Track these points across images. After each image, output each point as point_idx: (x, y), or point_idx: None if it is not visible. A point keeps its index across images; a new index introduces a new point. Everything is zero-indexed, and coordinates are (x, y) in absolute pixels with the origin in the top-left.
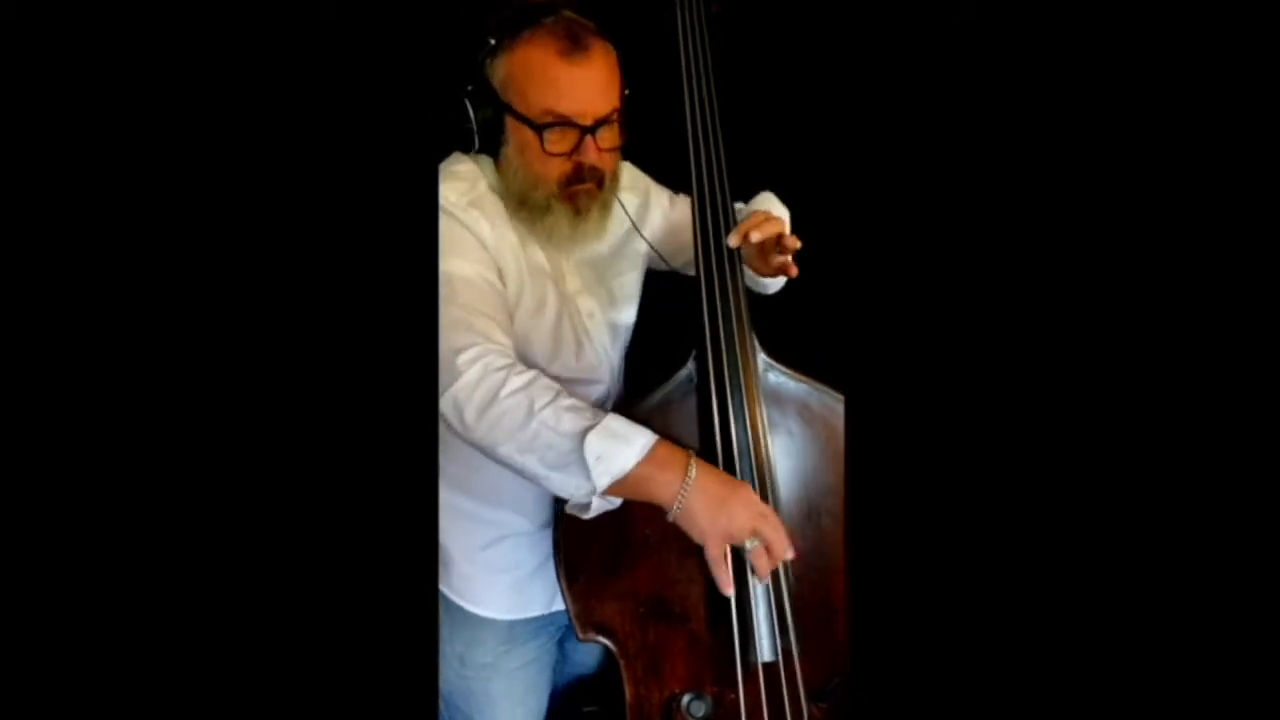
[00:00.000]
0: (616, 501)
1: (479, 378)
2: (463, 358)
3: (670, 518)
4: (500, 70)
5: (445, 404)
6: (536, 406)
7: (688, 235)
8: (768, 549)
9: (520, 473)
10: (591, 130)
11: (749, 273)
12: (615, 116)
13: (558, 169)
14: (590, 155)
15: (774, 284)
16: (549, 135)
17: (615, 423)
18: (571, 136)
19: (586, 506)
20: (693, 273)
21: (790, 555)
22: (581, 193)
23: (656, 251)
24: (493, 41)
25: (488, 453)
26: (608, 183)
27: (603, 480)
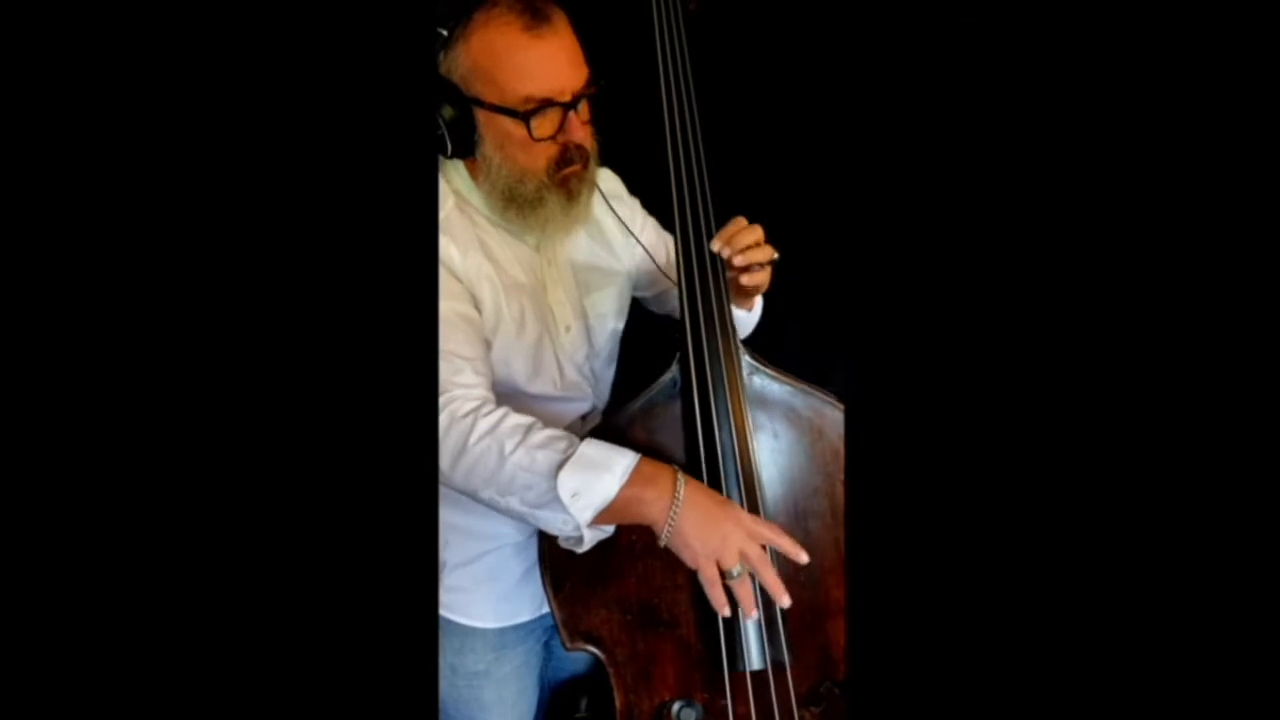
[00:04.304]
0: (610, 529)
1: (446, 426)
2: None
3: (662, 542)
4: (461, 62)
5: None
6: (507, 450)
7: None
8: (758, 578)
9: (508, 514)
10: (573, 106)
11: None
12: (589, 86)
13: (544, 155)
14: (576, 134)
15: (748, 319)
16: (535, 121)
17: (591, 449)
18: (555, 117)
19: (580, 540)
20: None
21: (785, 601)
22: (572, 176)
23: (651, 258)
24: (445, 33)
25: (473, 498)
26: (592, 161)
27: (585, 514)
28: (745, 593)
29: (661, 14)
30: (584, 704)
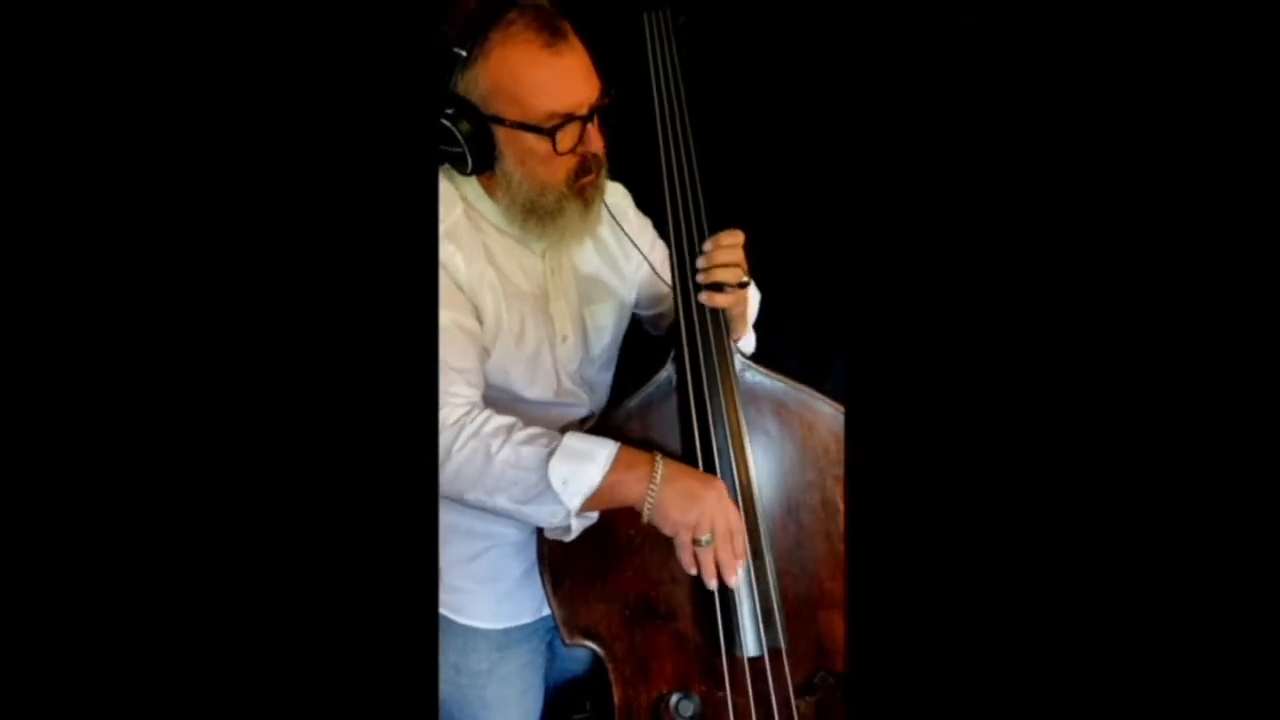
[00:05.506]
0: (593, 517)
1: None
2: None
3: (645, 518)
4: (480, 81)
5: None
6: (493, 449)
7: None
8: (718, 550)
9: (495, 512)
10: (590, 118)
11: None
12: (603, 97)
13: (565, 167)
14: (595, 144)
15: (744, 347)
16: (560, 136)
17: (574, 441)
18: (575, 130)
19: (567, 529)
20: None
21: (731, 581)
22: (589, 185)
23: (656, 274)
24: (463, 54)
25: (458, 501)
26: (604, 169)
27: (574, 501)
28: (707, 562)
29: (653, 27)
30: (589, 705)
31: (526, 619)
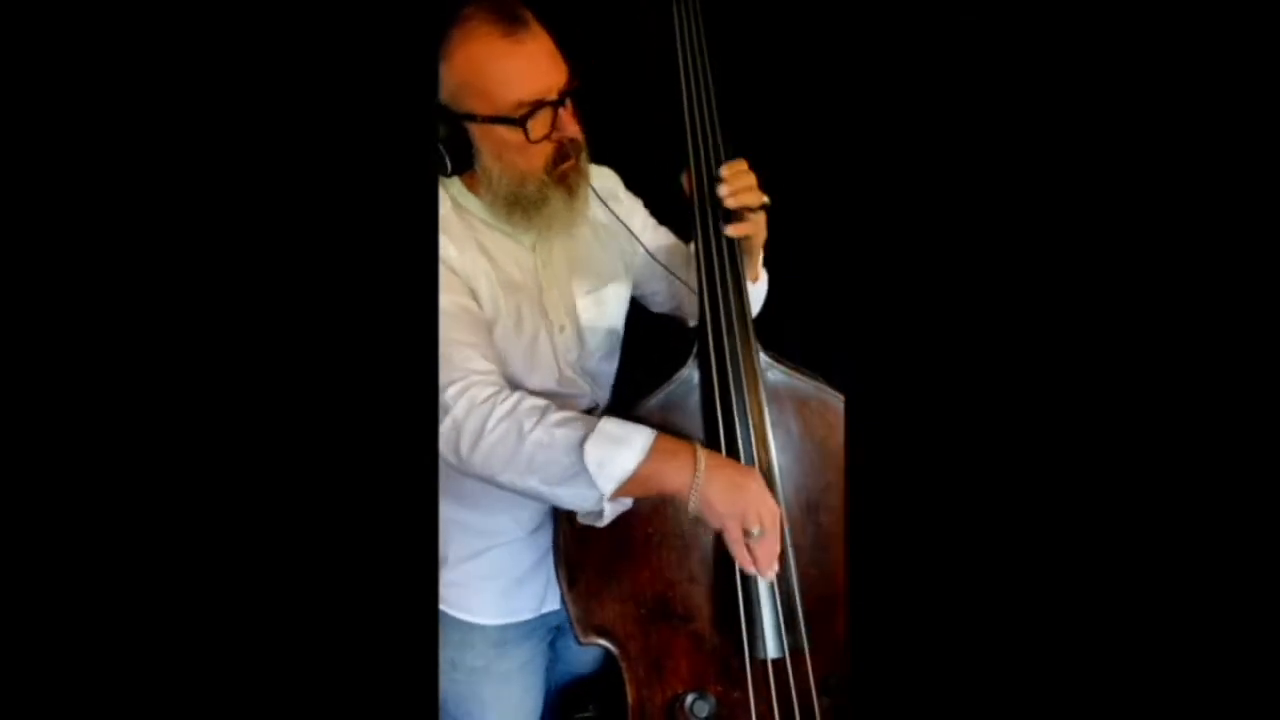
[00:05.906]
0: (628, 503)
1: (465, 412)
2: (448, 394)
3: (691, 507)
4: (448, 81)
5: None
6: (525, 429)
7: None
8: (769, 542)
9: (526, 495)
10: (561, 102)
11: None
12: (572, 81)
13: (542, 155)
14: (570, 128)
15: (756, 293)
16: (530, 124)
17: (611, 425)
18: (547, 116)
19: (600, 514)
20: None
21: (772, 571)
22: (570, 171)
23: (653, 257)
24: None
25: (491, 482)
26: (584, 155)
27: (608, 485)
28: (761, 553)
29: (682, 17)
30: (592, 705)
31: (526, 615)
